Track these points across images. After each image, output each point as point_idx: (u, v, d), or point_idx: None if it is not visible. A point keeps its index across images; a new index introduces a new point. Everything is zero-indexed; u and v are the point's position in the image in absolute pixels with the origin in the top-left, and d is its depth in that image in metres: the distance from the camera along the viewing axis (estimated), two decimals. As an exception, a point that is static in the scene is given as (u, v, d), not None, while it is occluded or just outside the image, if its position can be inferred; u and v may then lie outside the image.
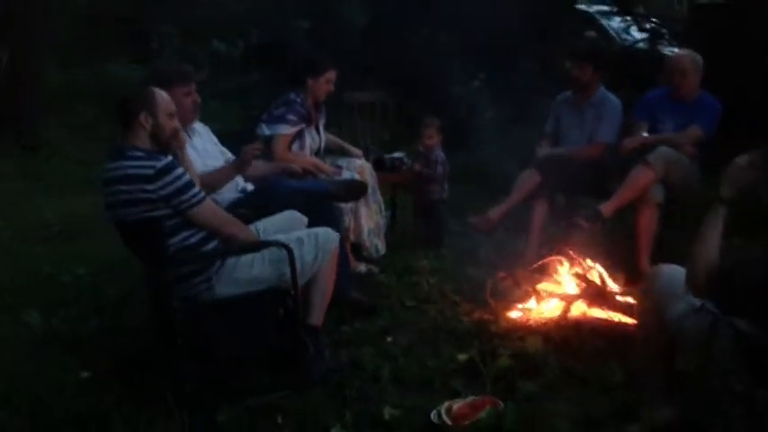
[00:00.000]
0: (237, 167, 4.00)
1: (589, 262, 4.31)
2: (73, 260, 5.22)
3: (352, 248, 4.86)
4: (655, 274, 3.04)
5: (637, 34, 10.31)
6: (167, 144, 3.36)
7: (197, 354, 3.29)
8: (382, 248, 5.08)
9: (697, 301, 2.72)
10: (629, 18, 10.31)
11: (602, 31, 11.45)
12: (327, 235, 3.63)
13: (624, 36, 10.46)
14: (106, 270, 4.98)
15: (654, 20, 9.86)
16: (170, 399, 3.19)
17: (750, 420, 2.59)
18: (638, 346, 3.20)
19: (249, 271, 3.38)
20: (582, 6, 11.69)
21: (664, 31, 9.53)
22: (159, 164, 3.15)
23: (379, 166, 5.37)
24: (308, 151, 4.88)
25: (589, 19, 11.70)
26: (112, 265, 4.97)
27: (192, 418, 3.15)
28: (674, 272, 2.93)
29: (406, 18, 8.94)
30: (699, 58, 5.14)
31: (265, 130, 4.76)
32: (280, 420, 3.16)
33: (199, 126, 4.18)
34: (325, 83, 4.96)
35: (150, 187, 3.13)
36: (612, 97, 5.22)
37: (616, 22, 10.68)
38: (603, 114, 5.14)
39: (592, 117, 5.19)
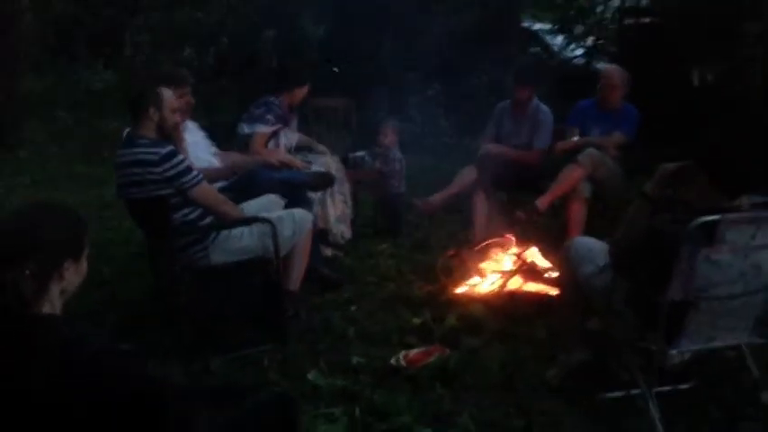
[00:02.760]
0: (228, 174, 4.67)
1: (525, 245, 5.01)
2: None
3: (320, 234, 5.50)
4: (570, 243, 3.75)
5: (575, 51, 11.06)
6: (170, 135, 3.99)
7: (194, 312, 3.93)
8: (348, 234, 5.72)
9: (601, 262, 3.43)
10: (567, 36, 11.03)
11: (546, 47, 12.32)
12: (303, 215, 4.31)
13: (564, 52, 11.25)
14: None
15: (590, 37, 10.64)
16: (171, 350, 3.81)
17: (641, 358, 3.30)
18: (558, 301, 3.91)
19: (239, 242, 4.02)
20: (526, 24, 12.47)
21: (597, 48, 10.31)
22: (163, 150, 3.78)
23: (344, 163, 6.02)
24: (282, 149, 5.51)
25: (534, 36, 12.58)
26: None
27: (190, 366, 3.77)
28: (586, 242, 3.67)
29: (365, 31, 9.59)
30: (626, 73, 5.91)
31: (245, 128, 5.38)
32: (266, 363, 3.79)
33: (190, 123, 4.80)
34: (305, 91, 5.63)
35: (156, 170, 3.75)
36: (544, 108, 5.97)
37: (558, 40, 11.43)
38: (538, 123, 5.89)
39: (528, 126, 5.94)
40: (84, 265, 2.00)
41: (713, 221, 2.91)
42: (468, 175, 5.89)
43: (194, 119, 4.96)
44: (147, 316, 4.32)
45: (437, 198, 5.92)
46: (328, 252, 5.51)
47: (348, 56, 9.60)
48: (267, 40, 9.88)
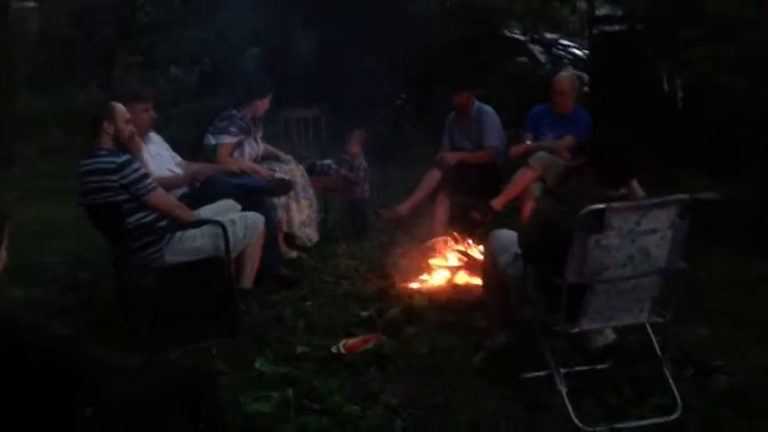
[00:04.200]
0: (188, 181, 4.98)
1: (470, 242, 5.32)
2: (52, 252, 6.14)
3: (285, 237, 5.83)
4: (492, 235, 4.06)
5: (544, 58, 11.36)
6: (126, 144, 4.33)
7: (151, 308, 4.26)
8: (315, 237, 6.04)
9: (515, 250, 3.73)
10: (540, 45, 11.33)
11: (531, 55, 12.60)
12: (255, 218, 4.64)
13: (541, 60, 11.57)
14: (78, 259, 5.89)
15: (562, 44, 10.92)
16: (130, 344, 4.14)
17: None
18: (482, 290, 4.21)
19: (192, 243, 4.36)
20: (513, 33, 12.76)
21: (565, 55, 10.59)
22: (119, 160, 4.13)
23: (310, 170, 6.36)
24: (247, 158, 5.84)
25: (520, 45, 12.85)
26: (82, 255, 5.91)
27: (149, 357, 4.08)
28: (504, 233, 3.98)
29: (344, 47, 9.95)
30: (576, 79, 6.24)
31: (211, 139, 5.72)
32: (214, 352, 4.11)
33: (154, 135, 5.14)
34: (267, 103, 5.97)
35: (113, 177, 4.09)
36: (487, 108, 6.34)
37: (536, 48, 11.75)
38: (483, 124, 6.23)
39: (476, 128, 6.30)
40: (3, 253, 2.29)
41: (601, 210, 3.21)
42: (431, 178, 6.23)
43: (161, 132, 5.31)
44: (114, 315, 4.64)
45: (404, 207, 6.26)
46: (293, 254, 5.83)
47: (331, 70, 9.96)
48: (250, 58, 10.27)
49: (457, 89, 6.31)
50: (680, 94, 8.62)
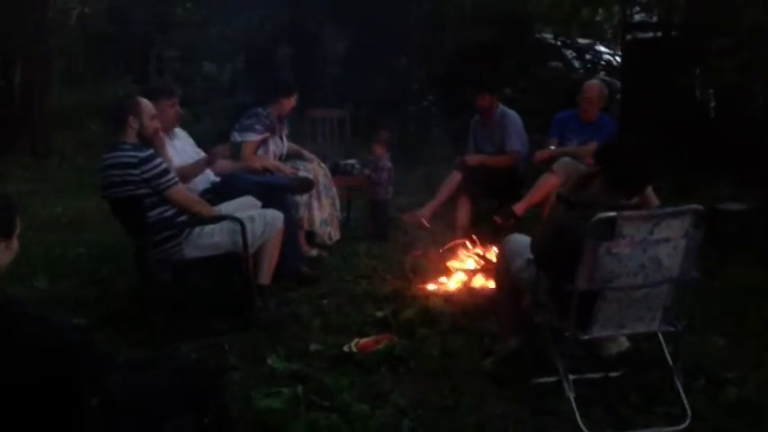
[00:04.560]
0: (207, 163, 5.03)
1: (489, 245, 5.32)
2: (77, 244, 6.24)
3: (306, 235, 5.88)
4: (506, 240, 4.07)
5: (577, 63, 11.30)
6: (150, 140, 4.40)
7: (167, 302, 4.32)
8: (335, 235, 6.09)
9: (528, 256, 3.73)
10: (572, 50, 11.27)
11: (565, 60, 12.54)
12: (274, 215, 4.68)
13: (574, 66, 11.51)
14: (103, 252, 5.99)
15: (595, 50, 10.85)
16: (145, 336, 4.21)
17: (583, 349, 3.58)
18: (495, 294, 4.22)
19: (210, 238, 4.41)
20: (546, 35, 12.70)
21: (597, 61, 10.53)
22: (142, 154, 4.19)
23: (334, 170, 6.41)
24: (271, 156, 5.89)
25: (554, 49, 12.79)
26: (108, 248, 6.00)
27: (161, 349, 4.15)
28: (519, 238, 3.99)
29: (377, 47, 10.00)
30: (605, 88, 6.25)
31: (237, 137, 5.78)
32: (227, 347, 4.17)
33: (179, 131, 5.22)
34: (293, 101, 6.03)
35: (135, 171, 4.16)
36: (511, 112, 6.34)
37: (569, 53, 11.69)
38: (506, 128, 6.24)
39: (498, 132, 6.31)
40: (14, 243, 2.35)
41: (613, 217, 3.21)
42: (451, 180, 6.25)
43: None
44: (131, 308, 4.72)
45: (426, 210, 6.28)
46: (314, 252, 5.88)
47: (360, 69, 10.01)
48: (283, 56, 10.37)
49: (480, 92, 6.32)
50: (712, 103, 8.56)
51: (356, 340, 4.20)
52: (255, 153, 5.78)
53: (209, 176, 5.17)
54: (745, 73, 6.88)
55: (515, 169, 6.31)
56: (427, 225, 6.20)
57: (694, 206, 3.32)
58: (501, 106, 6.38)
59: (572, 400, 3.45)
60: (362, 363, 4.01)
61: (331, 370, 3.96)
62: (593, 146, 5.95)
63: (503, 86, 6.62)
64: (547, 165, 6.01)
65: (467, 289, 4.99)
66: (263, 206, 4.88)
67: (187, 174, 4.80)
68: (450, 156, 7.10)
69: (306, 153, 6.21)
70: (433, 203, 6.28)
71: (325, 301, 4.99)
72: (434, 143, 8.16)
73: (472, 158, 6.32)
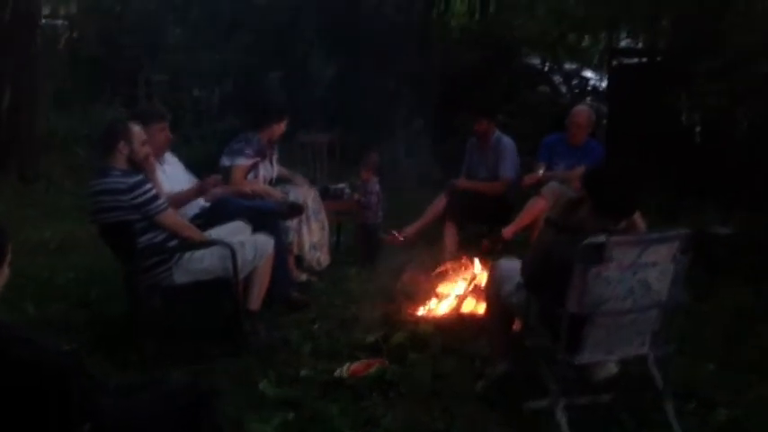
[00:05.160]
0: (199, 192, 5.04)
1: (479, 269, 5.34)
2: (66, 269, 6.21)
3: (296, 260, 5.88)
4: (495, 264, 4.10)
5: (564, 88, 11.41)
6: (141, 165, 4.40)
7: (157, 327, 4.31)
8: (325, 261, 6.09)
9: (518, 279, 3.75)
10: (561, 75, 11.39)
11: (552, 85, 12.65)
12: (265, 240, 4.69)
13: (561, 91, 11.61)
14: (92, 276, 5.96)
15: (582, 74, 10.96)
16: (135, 360, 4.19)
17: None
18: (486, 317, 4.23)
19: (200, 264, 4.41)
20: (534, 61, 12.81)
21: (584, 86, 10.64)
22: (131, 180, 4.20)
23: (324, 194, 6.42)
24: (261, 180, 5.90)
25: (540, 73, 12.89)
26: (97, 272, 5.97)
27: (151, 374, 4.14)
28: (508, 262, 4.01)
29: (365, 71, 10.07)
30: (593, 114, 6.34)
31: (225, 161, 5.78)
32: (217, 372, 4.16)
33: (169, 156, 5.23)
34: (283, 126, 6.05)
35: (124, 198, 4.16)
36: (506, 139, 6.38)
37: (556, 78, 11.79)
38: (500, 154, 6.29)
39: (493, 158, 6.35)
40: (6, 270, 2.35)
41: (602, 242, 3.23)
42: (438, 204, 6.29)
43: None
44: (120, 333, 4.69)
45: (411, 230, 6.31)
46: (303, 277, 5.87)
47: (349, 94, 10.07)
48: (272, 80, 10.42)
49: (477, 117, 6.37)
50: (698, 128, 8.65)
51: (347, 365, 4.19)
52: (245, 177, 5.79)
53: (198, 201, 5.17)
54: (730, 97, 6.95)
55: (505, 195, 6.34)
56: (410, 241, 6.21)
57: (682, 231, 3.36)
58: (497, 132, 6.43)
59: (563, 425, 3.47)
60: (353, 387, 4.01)
61: (322, 396, 3.96)
62: (580, 170, 5.96)
63: (498, 112, 6.65)
64: (535, 189, 6.05)
65: (457, 313, 5.00)
66: (254, 231, 4.89)
67: (179, 202, 4.79)
68: (441, 180, 7.13)
69: (296, 177, 6.22)
70: (416, 224, 6.33)
71: (315, 326, 4.99)
72: (424, 167, 8.19)
73: (463, 183, 6.37)
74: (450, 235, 6.16)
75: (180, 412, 2.61)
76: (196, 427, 2.60)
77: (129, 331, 4.60)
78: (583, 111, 6.40)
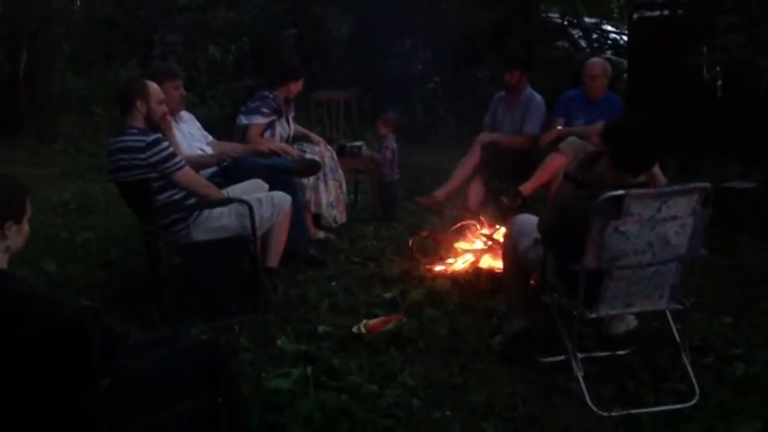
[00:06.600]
0: (215, 161, 5.04)
1: (497, 226, 5.32)
2: (85, 229, 6.26)
3: (313, 218, 5.89)
4: (512, 220, 4.08)
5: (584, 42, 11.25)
6: (157, 124, 4.40)
7: (177, 284, 4.34)
8: (341, 218, 6.08)
9: (535, 235, 3.74)
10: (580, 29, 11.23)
11: (572, 39, 12.48)
12: (282, 197, 4.69)
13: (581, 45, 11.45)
14: (111, 236, 6.01)
15: (602, 28, 10.80)
16: (156, 317, 4.23)
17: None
18: (503, 273, 4.23)
19: (218, 221, 4.42)
20: (553, 15, 12.62)
21: (604, 40, 10.48)
22: (149, 138, 4.20)
23: (341, 152, 6.40)
24: (278, 138, 5.88)
25: (559, 27, 12.71)
26: (116, 232, 6.04)
27: (172, 330, 4.18)
28: (526, 218, 4.00)
29: (382, 29, 9.98)
30: (607, 65, 6.21)
31: (243, 119, 5.78)
32: (237, 329, 4.19)
33: (185, 114, 5.23)
34: (300, 84, 6.02)
35: (142, 156, 4.17)
36: (537, 96, 6.30)
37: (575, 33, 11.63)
38: (529, 111, 6.22)
39: (520, 113, 6.29)
40: (26, 226, 2.36)
41: (620, 196, 3.21)
42: (467, 164, 6.23)
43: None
44: (141, 291, 4.74)
45: (441, 193, 6.26)
46: (321, 234, 5.89)
47: (369, 53, 10.00)
48: (288, 38, 10.34)
49: (510, 68, 6.29)
50: (719, 82, 8.51)
51: (365, 321, 4.20)
52: (262, 136, 5.78)
53: (216, 159, 5.18)
54: (753, 49, 6.83)
55: (528, 151, 6.29)
56: (442, 204, 6.19)
57: (702, 184, 3.33)
58: (529, 87, 6.34)
59: (580, 378, 3.48)
60: (371, 343, 4.03)
61: (340, 351, 3.98)
62: (599, 125, 5.92)
63: (532, 65, 6.50)
64: (554, 144, 5.99)
65: (474, 269, 4.99)
66: (271, 189, 4.89)
67: (196, 165, 4.79)
68: (457, 136, 7.10)
69: (312, 136, 6.21)
70: (447, 186, 6.25)
71: (333, 284, 5.01)
72: (441, 124, 8.17)
73: (487, 136, 6.30)
74: (477, 192, 6.12)
75: (199, 368, 2.63)
76: (214, 384, 2.63)
77: (148, 290, 4.65)
78: (596, 62, 6.29)
